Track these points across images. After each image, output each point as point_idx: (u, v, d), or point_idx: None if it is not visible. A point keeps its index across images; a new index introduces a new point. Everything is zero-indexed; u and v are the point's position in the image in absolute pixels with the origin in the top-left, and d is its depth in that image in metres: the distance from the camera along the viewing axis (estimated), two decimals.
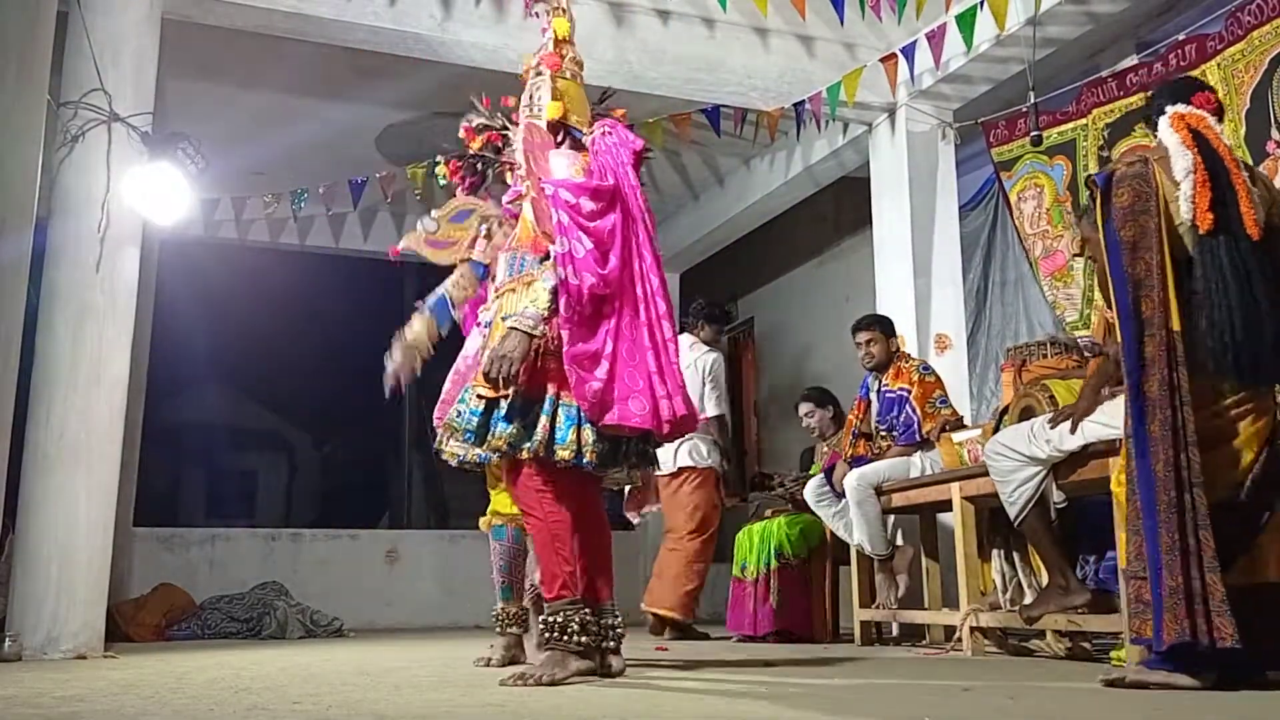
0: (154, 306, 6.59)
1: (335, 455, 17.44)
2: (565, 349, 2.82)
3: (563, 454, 2.85)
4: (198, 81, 5.88)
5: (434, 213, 3.82)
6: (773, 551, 5.20)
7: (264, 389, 16.00)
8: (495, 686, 2.74)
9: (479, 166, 3.76)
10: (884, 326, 4.97)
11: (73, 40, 4.44)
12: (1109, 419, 3.28)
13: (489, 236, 3.67)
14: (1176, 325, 2.63)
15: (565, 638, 2.84)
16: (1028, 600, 4.08)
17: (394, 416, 14.37)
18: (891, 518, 4.90)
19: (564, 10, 3.30)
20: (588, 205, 2.92)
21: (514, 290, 3.06)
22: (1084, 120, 5.15)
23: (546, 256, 2.97)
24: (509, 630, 3.76)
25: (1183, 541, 2.49)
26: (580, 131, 3.17)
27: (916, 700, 2.50)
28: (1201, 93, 2.95)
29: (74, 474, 4.20)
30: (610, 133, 3.13)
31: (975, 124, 5.70)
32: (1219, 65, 4.47)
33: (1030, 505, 3.49)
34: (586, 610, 2.90)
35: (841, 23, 5.40)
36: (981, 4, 4.93)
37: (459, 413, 2.97)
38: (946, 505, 4.30)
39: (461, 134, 3.57)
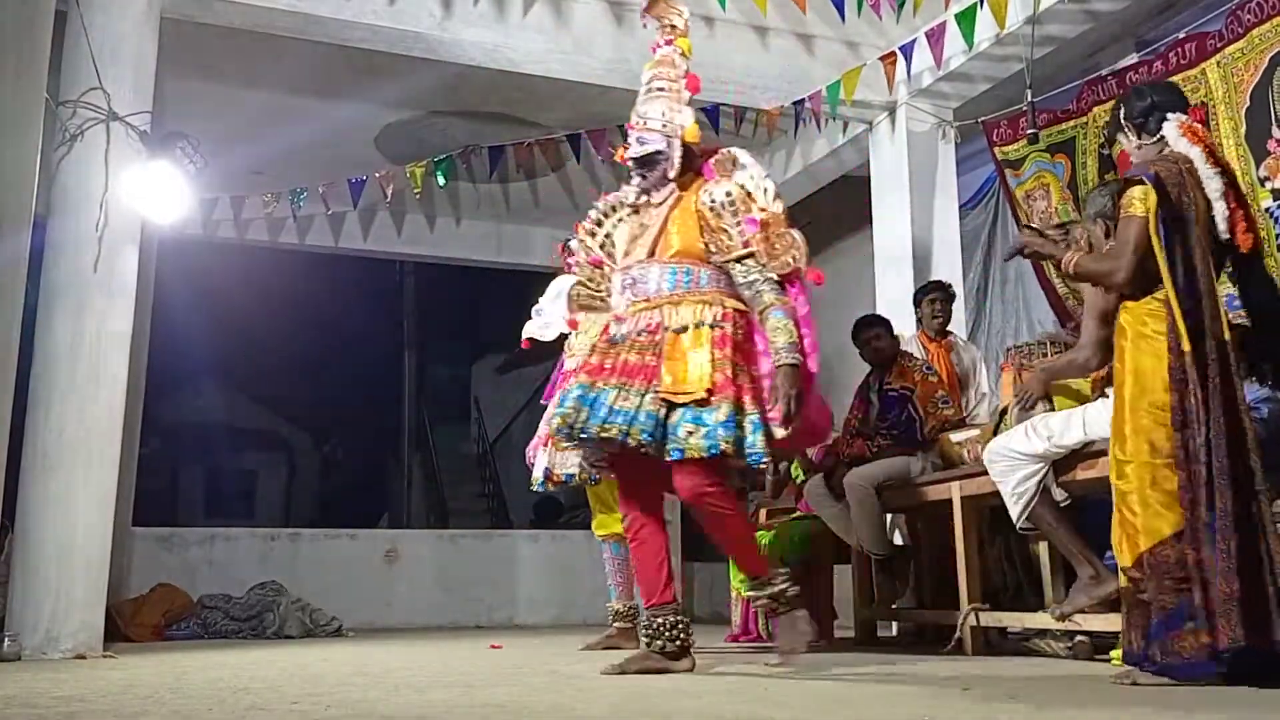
0: (153, 306, 6.58)
1: (335, 455, 17.45)
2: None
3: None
4: (197, 81, 5.87)
5: (541, 301, 4.57)
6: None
7: (263, 388, 15.98)
8: (494, 686, 2.74)
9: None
10: (887, 325, 4.96)
11: (71, 39, 4.43)
12: (1109, 417, 3.27)
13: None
14: (1226, 335, 2.68)
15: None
16: (1028, 599, 4.07)
17: (394, 416, 14.36)
18: (889, 516, 4.89)
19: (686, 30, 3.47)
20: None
21: (680, 303, 3.24)
22: (1084, 119, 5.15)
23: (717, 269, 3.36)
24: (616, 623, 4.53)
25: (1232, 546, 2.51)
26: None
27: (916, 700, 2.49)
28: (1190, 108, 2.99)
29: (73, 473, 4.20)
30: None
31: (976, 123, 5.70)
32: (1219, 63, 4.46)
33: (1032, 504, 3.47)
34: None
35: (842, 20, 5.39)
36: (981, 3, 4.92)
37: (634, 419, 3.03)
38: (947, 505, 4.29)
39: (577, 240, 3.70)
